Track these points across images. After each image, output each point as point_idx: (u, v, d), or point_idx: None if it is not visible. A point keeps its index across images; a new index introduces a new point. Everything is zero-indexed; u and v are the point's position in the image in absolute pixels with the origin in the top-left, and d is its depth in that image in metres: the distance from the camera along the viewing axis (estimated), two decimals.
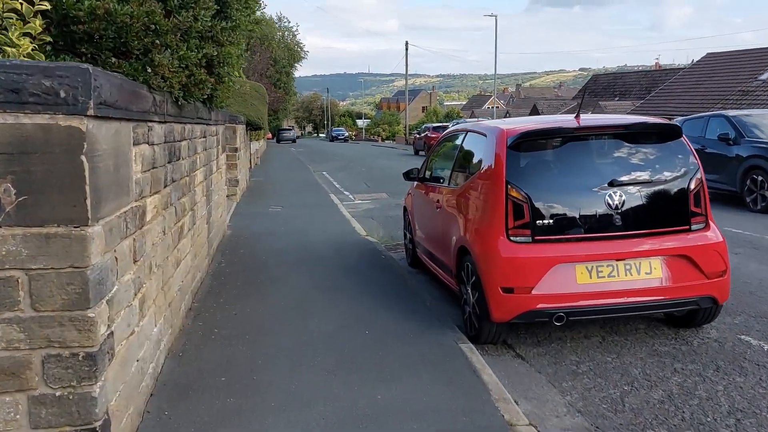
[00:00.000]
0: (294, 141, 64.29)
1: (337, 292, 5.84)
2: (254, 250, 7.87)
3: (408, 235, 7.33)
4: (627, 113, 42.86)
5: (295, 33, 50.30)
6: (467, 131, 5.62)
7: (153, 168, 3.64)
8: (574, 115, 4.89)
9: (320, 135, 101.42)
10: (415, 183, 6.87)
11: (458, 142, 5.75)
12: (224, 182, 8.92)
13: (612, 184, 4.42)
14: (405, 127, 57.14)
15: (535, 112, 59.95)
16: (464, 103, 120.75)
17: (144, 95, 3.22)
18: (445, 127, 34.75)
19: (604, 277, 4.35)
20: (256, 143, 26.29)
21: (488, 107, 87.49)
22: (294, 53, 48.90)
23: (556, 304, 4.30)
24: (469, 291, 4.78)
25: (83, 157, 2.37)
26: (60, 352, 2.46)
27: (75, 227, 2.39)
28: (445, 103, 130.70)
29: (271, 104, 42.84)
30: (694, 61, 46.30)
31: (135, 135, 3.19)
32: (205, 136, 6.16)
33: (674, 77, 42.33)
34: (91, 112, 2.36)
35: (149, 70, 3.31)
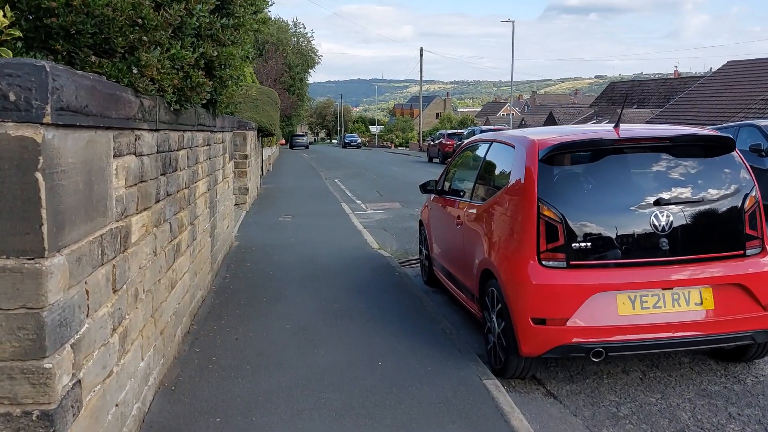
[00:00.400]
0: (307, 147, 64.17)
1: (348, 315, 5.38)
2: (261, 264, 7.44)
3: (424, 251, 6.86)
4: (646, 122, 42.12)
5: (310, 39, 50.16)
6: (492, 141, 5.15)
7: (141, 182, 3.21)
8: (613, 125, 4.41)
9: (333, 141, 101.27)
10: (433, 196, 6.41)
11: (481, 152, 5.27)
12: (232, 191, 8.52)
13: (658, 203, 3.93)
14: (419, 133, 56.67)
15: (551, 119, 59.17)
16: (478, 109, 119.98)
17: (127, 99, 2.79)
18: (460, 134, 34.19)
19: (648, 308, 3.85)
20: (269, 149, 25.98)
21: (503, 114, 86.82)
22: (308, 58, 48.71)
23: (594, 338, 3.81)
24: (494, 319, 4.30)
25: (39, 174, 1.94)
26: (10, 410, 2.02)
27: (28, 260, 1.97)
28: (459, 110, 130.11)
29: (284, 110, 42.64)
30: (713, 69, 45.48)
31: (116, 145, 2.76)
32: (208, 144, 5.75)
33: (694, 86, 41.53)
34: (48, 119, 1.93)
35: (135, 71, 2.88)
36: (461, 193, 5.49)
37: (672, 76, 58.95)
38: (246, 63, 5.63)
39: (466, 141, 6.02)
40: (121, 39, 2.80)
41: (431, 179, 6.39)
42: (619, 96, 58.71)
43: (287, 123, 50.94)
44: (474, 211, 4.95)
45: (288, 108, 42.71)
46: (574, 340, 3.80)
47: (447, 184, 6.03)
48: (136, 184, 3.11)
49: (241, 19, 4.32)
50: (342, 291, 6.18)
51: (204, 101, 4.15)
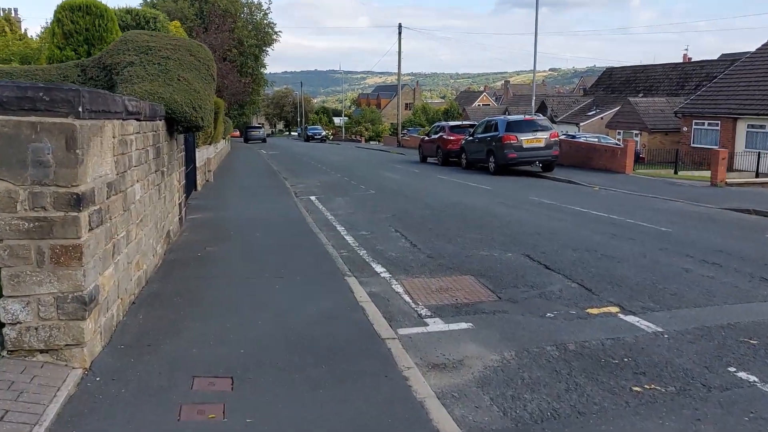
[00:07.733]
0: (264, 140, 55.66)
1: None
2: None
3: None
4: (674, 112, 35.38)
5: (266, 12, 41.43)
6: None
7: None
8: None
9: (293, 133, 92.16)
10: None
11: None
12: None
13: None
14: (398, 125, 48.51)
15: (543, 109, 52.18)
16: (438, 101, 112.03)
17: None
18: (470, 127, 26.12)
19: None
20: (208, 150, 17.63)
21: (479, 105, 79.75)
22: (265, 34, 40.01)
23: None
24: None
25: None
26: None
27: None
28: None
29: (236, 96, 33.94)
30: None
31: None
32: None
33: (729, 69, 34.94)
34: None
35: None
36: None
37: (681, 61, 52.80)
38: None
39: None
40: None
41: None
42: (618, 83, 52.13)
43: (240, 112, 42.32)
44: None
45: (240, 93, 34.13)
46: None
47: None
48: None
49: None
50: None
51: None
